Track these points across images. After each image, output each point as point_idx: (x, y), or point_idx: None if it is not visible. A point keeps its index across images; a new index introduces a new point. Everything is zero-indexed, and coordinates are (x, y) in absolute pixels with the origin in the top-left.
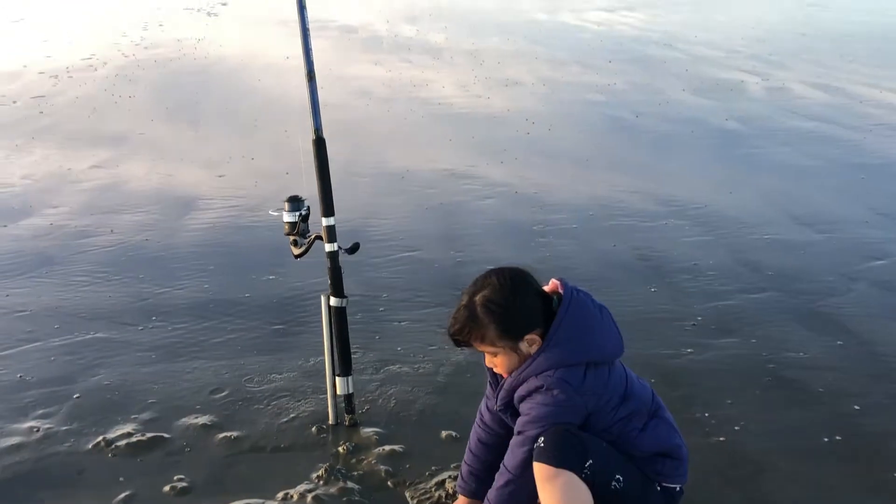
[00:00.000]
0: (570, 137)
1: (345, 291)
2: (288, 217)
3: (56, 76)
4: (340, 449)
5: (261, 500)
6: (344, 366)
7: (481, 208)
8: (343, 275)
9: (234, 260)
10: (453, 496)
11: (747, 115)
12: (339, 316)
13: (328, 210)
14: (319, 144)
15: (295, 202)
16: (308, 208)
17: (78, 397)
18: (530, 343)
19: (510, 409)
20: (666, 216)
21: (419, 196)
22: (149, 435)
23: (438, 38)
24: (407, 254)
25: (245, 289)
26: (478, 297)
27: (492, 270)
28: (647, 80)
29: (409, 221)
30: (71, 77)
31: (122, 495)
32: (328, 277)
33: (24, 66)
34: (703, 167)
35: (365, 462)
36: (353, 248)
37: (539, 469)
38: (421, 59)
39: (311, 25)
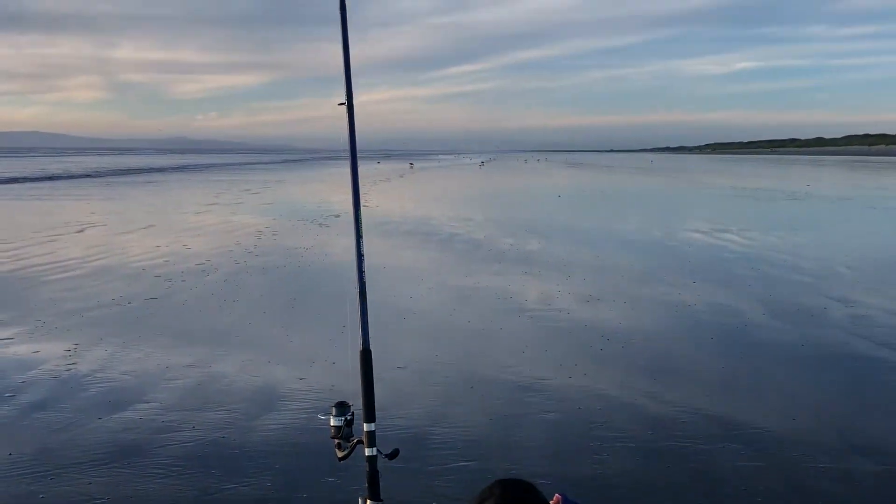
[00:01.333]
0: (642, 356)
1: (395, 496)
2: (334, 421)
3: (171, 280)
4: None
5: None
6: None
7: (543, 422)
8: (399, 481)
9: (299, 461)
10: None
11: (823, 342)
12: None
13: (370, 416)
14: (366, 356)
15: (341, 408)
16: (353, 414)
17: None
18: None
19: None
20: (724, 439)
21: (485, 406)
22: None
23: (532, 249)
24: (463, 463)
25: (304, 489)
26: None
27: (498, 482)
28: (729, 301)
29: (470, 431)
30: (184, 281)
31: None
32: (366, 481)
33: (143, 270)
34: (769, 392)
35: None
36: (393, 454)
37: None
38: (511, 271)
39: (416, 238)
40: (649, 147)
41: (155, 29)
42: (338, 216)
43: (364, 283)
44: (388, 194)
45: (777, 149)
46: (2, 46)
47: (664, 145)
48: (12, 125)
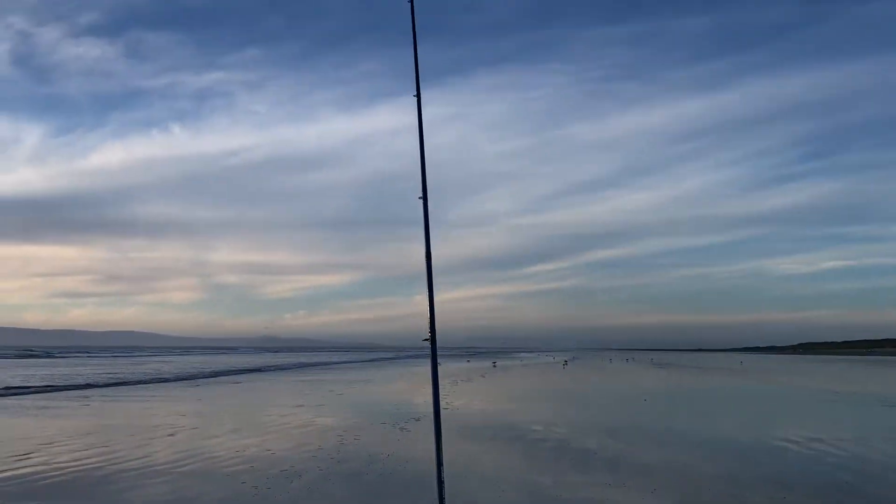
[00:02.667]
0: None
1: None
2: None
3: (256, 486)
4: None
5: None
6: None
7: None
8: None
9: None
10: None
11: None
12: None
13: None
14: None
15: None
16: None
17: None
18: None
19: None
20: None
21: None
22: None
23: (616, 456)
24: None
25: None
26: None
27: None
28: None
29: None
30: (269, 489)
31: None
32: None
33: (229, 476)
34: None
35: None
36: None
37: None
38: (594, 482)
39: (498, 443)
40: (738, 346)
41: (249, 233)
42: (418, 419)
43: (442, 481)
44: (470, 395)
45: (873, 349)
46: (110, 251)
47: (753, 345)
48: (112, 325)
